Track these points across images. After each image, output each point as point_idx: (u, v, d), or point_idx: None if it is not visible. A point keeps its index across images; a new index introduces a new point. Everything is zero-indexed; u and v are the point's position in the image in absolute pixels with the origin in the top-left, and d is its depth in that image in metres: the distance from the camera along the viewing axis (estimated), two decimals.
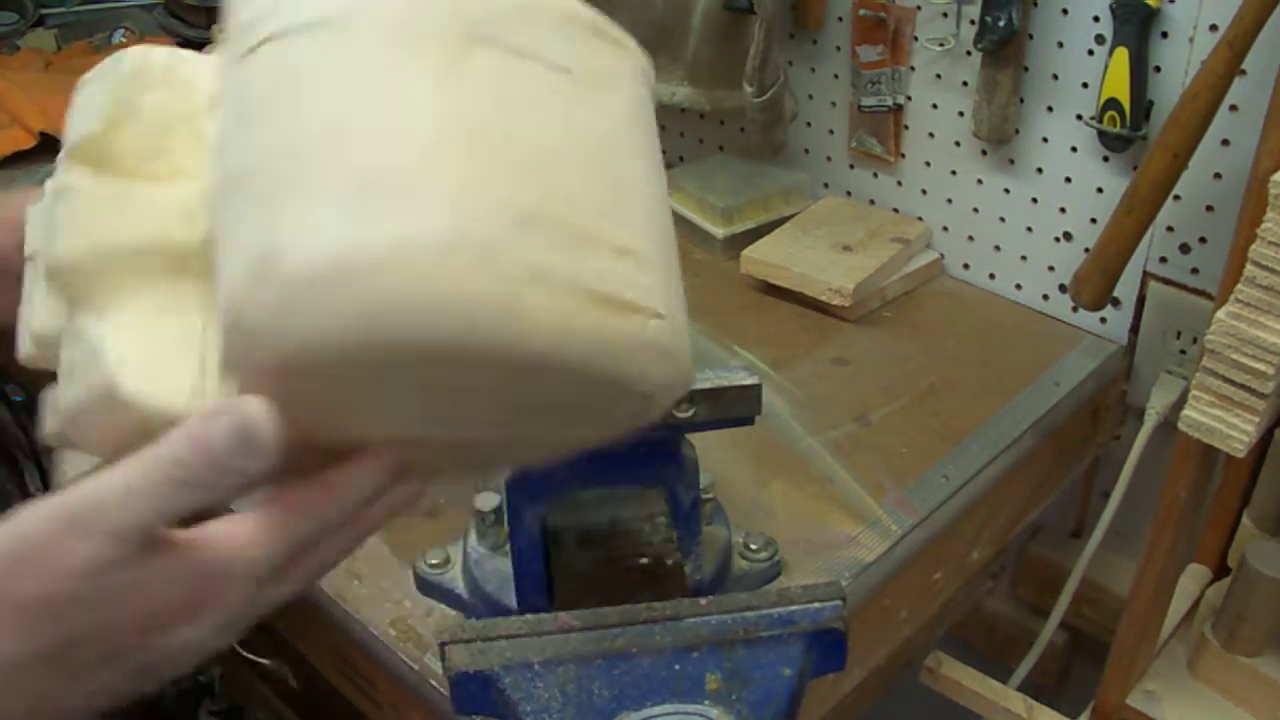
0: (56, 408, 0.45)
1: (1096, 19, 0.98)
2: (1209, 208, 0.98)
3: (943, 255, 1.18)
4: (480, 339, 0.37)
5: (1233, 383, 0.75)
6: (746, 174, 1.25)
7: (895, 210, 1.21)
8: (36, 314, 0.47)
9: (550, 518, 0.65)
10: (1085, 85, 1.01)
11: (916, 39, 1.10)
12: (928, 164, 1.16)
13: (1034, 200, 1.10)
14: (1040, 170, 1.08)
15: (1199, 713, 0.95)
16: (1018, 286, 1.14)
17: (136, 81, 0.46)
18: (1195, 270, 1.01)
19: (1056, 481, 1.07)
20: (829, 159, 1.24)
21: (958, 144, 1.13)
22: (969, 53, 1.07)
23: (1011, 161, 1.10)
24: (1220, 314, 0.74)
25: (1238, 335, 0.73)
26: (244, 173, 0.40)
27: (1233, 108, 0.92)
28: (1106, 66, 0.97)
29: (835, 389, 1.02)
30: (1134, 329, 1.07)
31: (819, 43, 1.19)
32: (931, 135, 1.15)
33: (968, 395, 1.01)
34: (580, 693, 0.46)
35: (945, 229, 1.18)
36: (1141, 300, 1.05)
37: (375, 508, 0.45)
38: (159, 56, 0.47)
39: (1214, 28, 0.92)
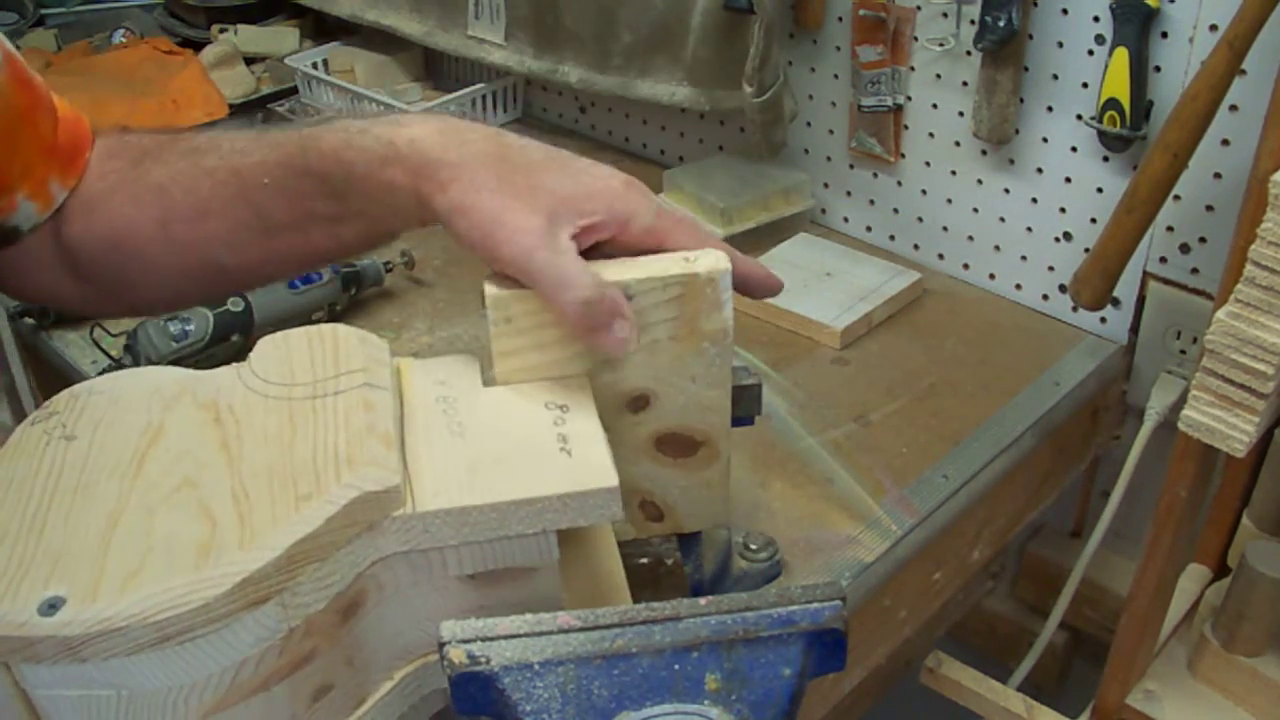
0: None
1: (1096, 19, 0.98)
2: (1209, 208, 0.98)
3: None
4: None
5: (1233, 383, 0.75)
6: (746, 174, 1.25)
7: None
8: None
9: None
10: (1085, 85, 1.01)
11: (916, 39, 1.10)
12: (928, 164, 1.16)
13: (1034, 200, 1.10)
14: (1040, 170, 1.08)
15: (1199, 713, 0.94)
16: (1017, 286, 1.14)
17: None
18: (1195, 270, 1.01)
19: (1056, 481, 1.07)
20: (829, 159, 1.24)
21: (958, 144, 1.13)
22: (969, 53, 1.07)
23: (1011, 161, 1.10)
24: (1220, 314, 0.74)
25: (1238, 335, 0.73)
26: None
27: (1233, 108, 0.92)
28: (1106, 66, 0.97)
29: (835, 389, 1.02)
30: (1134, 329, 1.07)
31: (819, 43, 1.19)
32: (931, 135, 1.15)
33: (968, 395, 1.01)
34: (580, 693, 0.46)
35: (945, 229, 1.18)
36: (1141, 300, 1.05)
37: None
38: None
39: (1214, 28, 0.92)
